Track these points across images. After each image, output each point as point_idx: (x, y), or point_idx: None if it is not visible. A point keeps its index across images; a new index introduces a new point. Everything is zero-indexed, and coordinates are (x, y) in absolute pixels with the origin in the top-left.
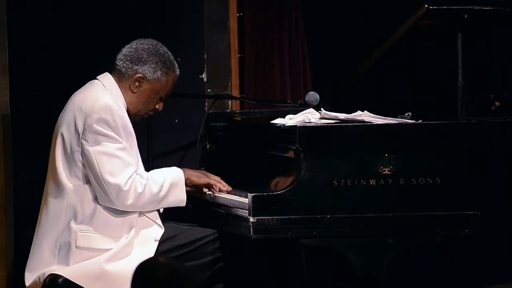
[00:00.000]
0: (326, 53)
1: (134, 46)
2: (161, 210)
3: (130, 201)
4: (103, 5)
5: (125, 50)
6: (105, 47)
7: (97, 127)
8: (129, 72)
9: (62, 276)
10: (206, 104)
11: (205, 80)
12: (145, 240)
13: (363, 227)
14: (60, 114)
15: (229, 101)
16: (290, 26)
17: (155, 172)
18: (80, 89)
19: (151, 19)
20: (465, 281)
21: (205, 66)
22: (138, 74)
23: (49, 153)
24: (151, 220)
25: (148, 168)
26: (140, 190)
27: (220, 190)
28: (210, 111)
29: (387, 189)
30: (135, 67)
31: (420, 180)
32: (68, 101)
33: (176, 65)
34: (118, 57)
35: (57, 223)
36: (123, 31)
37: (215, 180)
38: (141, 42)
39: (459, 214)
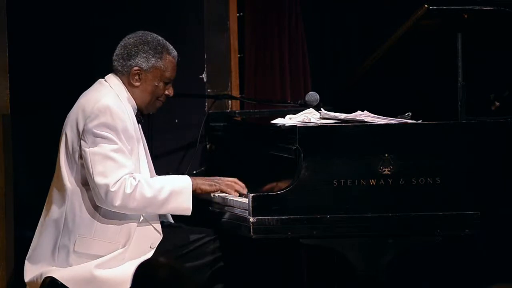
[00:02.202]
0: (326, 53)
1: (122, 44)
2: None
3: (118, 202)
4: (103, 6)
5: (117, 50)
6: (105, 48)
7: (95, 129)
8: (125, 69)
9: (58, 280)
10: (206, 104)
11: (205, 80)
12: (141, 248)
13: (363, 227)
14: (68, 113)
15: (229, 101)
16: (290, 26)
17: (157, 177)
18: (88, 89)
19: (151, 19)
20: (465, 281)
21: (205, 66)
22: (134, 68)
23: (49, 152)
24: (150, 227)
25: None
26: (128, 191)
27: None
28: (210, 111)
29: (387, 189)
30: (129, 62)
31: (420, 180)
32: (78, 99)
33: (170, 47)
34: (113, 59)
35: (57, 223)
36: (123, 31)
37: (227, 185)
38: (128, 37)
39: (459, 214)
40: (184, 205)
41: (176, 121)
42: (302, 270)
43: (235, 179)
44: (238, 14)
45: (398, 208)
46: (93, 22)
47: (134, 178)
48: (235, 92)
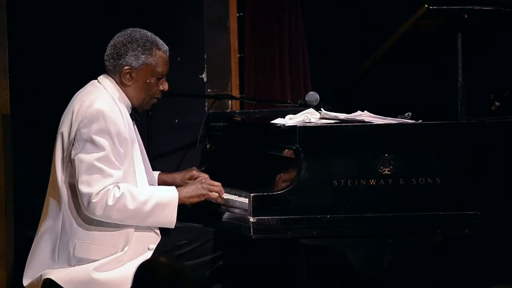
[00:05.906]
0: (326, 53)
1: (112, 43)
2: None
3: (99, 212)
4: (103, 6)
5: (107, 50)
6: (105, 48)
7: (87, 134)
8: (116, 69)
9: (56, 282)
10: (206, 104)
11: (205, 80)
12: (139, 249)
13: (363, 227)
14: (64, 113)
15: (229, 101)
16: (290, 26)
17: (144, 188)
18: (82, 89)
19: (151, 19)
20: (465, 282)
21: (205, 66)
22: (125, 67)
23: (49, 153)
24: (148, 228)
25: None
26: (111, 203)
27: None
28: (210, 111)
29: (387, 189)
30: (119, 62)
31: (420, 180)
32: (71, 100)
33: (160, 42)
34: (104, 59)
35: (55, 229)
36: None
37: (214, 191)
38: (117, 36)
39: (459, 214)
40: (168, 218)
41: (176, 121)
42: (302, 270)
43: (219, 184)
44: (238, 14)
45: (398, 208)
46: (93, 22)
47: (118, 189)
48: (235, 92)
